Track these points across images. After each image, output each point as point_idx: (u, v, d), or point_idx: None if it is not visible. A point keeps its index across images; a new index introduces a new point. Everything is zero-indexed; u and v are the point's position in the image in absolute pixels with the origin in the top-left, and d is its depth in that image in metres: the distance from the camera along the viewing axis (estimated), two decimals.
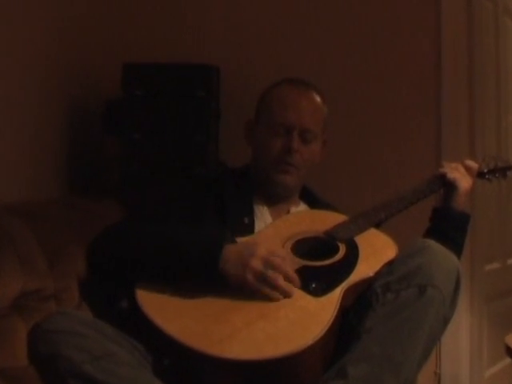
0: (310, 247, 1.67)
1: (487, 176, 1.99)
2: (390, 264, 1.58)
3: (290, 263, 1.58)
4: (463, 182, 1.86)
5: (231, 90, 2.78)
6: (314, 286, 1.55)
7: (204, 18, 2.91)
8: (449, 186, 1.87)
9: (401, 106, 2.78)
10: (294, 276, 1.55)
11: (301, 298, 1.53)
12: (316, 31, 2.83)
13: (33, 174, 2.58)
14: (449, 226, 1.85)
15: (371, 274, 1.59)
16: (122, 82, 2.71)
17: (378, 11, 2.79)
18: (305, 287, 1.55)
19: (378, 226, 1.77)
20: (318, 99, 1.82)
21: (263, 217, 1.80)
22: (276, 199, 1.83)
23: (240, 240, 1.62)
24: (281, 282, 1.52)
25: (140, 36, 2.92)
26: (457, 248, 1.80)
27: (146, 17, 2.96)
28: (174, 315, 1.48)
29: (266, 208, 1.82)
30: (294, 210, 1.86)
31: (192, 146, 2.68)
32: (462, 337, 2.76)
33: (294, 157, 1.77)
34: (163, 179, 2.63)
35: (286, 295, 1.52)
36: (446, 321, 1.56)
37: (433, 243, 1.59)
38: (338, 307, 1.51)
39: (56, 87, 2.72)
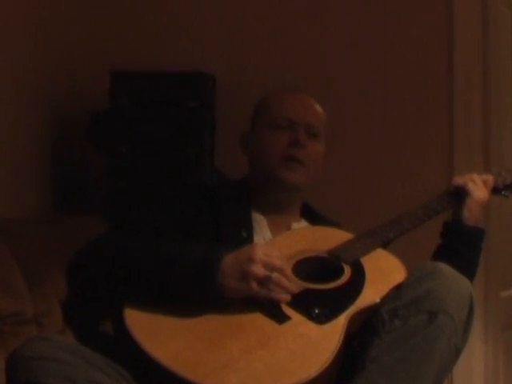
0: (312, 268, 1.67)
1: (503, 192, 1.98)
2: (397, 288, 1.58)
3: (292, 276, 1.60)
4: (478, 191, 1.87)
5: (227, 100, 2.78)
6: (316, 311, 1.55)
7: (198, 22, 2.93)
8: (460, 194, 1.87)
9: (410, 113, 2.79)
10: (292, 276, 1.58)
11: (302, 324, 1.53)
12: (318, 40, 2.84)
13: (12, 190, 2.58)
14: (461, 243, 1.85)
15: (378, 299, 1.59)
16: (109, 91, 2.71)
17: (387, 14, 2.81)
18: (307, 313, 1.55)
19: (385, 245, 1.78)
20: (319, 106, 1.88)
21: (262, 231, 1.80)
22: (276, 212, 1.83)
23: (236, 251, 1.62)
24: (286, 282, 1.56)
25: (129, 42, 2.93)
26: (470, 267, 1.80)
27: (136, 21, 2.96)
28: (166, 339, 1.48)
29: (265, 222, 1.82)
30: (295, 225, 1.86)
31: (184, 161, 2.68)
32: (475, 368, 2.76)
33: (301, 151, 1.78)
34: (153, 196, 2.63)
35: (291, 292, 1.55)
36: (458, 351, 1.56)
37: (444, 266, 1.59)
38: (342, 336, 1.51)
39: (37, 96, 2.73)
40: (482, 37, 2.77)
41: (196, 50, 2.89)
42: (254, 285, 1.52)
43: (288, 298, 1.55)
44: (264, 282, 1.53)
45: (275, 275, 1.54)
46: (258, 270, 1.53)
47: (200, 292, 1.53)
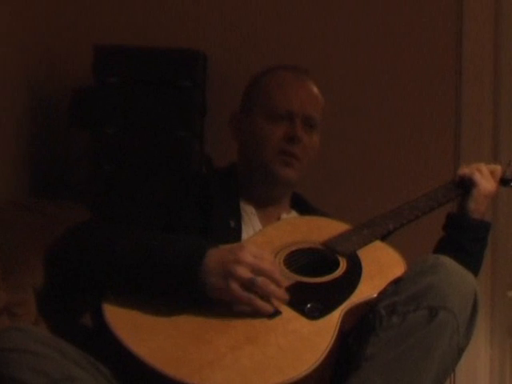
0: (305, 261, 1.67)
1: None
2: (396, 282, 1.59)
3: (281, 277, 1.58)
4: (485, 182, 1.88)
5: (220, 79, 2.78)
6: (309, 306, 1.56)
7: None
8: (467, 185, 1.88)
9: (416, 101, 2.79)
10: (282, 280, 1.55)
11: (294, 320, 1.54)
12: (321, 21, 2.84)
13: None
14: (466, 236, 1.87)
15: (375, 294, 1.59)
16: (93, 67, 2.70)
17: (395, 10, 2.81)
18: (299, 307, 1.55)
19: (384, 238, 1.78)
20: (316, 88, 1.89)
21: (251, 221, 1.82)
22: (266, 203, 1.84)
23: (223, 247, 1.63)
24: (272, 288, 1.53)
25: (115, 13, 2.91)
26: (474, 262, 1.82)
27: None
28: (148, 335, 1.48)
29: (254, 212, 1.83)
30: (284, 216, 1.87)
31: (173, 144, 2.68)
32: (480, 373, 2.77)
33: (298, 146, 1.79)
34: (139, 181, 2.63)
35: (281, 300, 1.53)
36: (460, 350, 1.57)
37: (447, 260, 1.59)
38: (336, 333, 1.52)
39: (15, 72, 2.72)
40: (493, 26, 2.78)
41: (187, 25, 2.88)
42: (236, 287, 1.51)
43: (271, 309, 1.53)
44: (248, 285, 1.52)
45: (261, 279, 1.52)
46: (243, 271, 1.51)
47: (181, 287, 1.53)
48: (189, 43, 2.75)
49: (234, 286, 1.51)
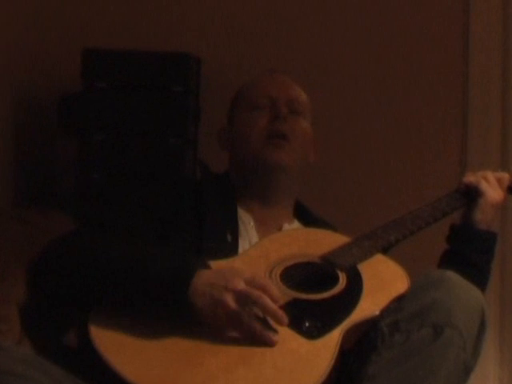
0: (303, 275, 1.67)
1: None
2: (399, 299, 1.59)
3: (278, 295, 1.57)
4: (491, 191, 1.88)
5: (214, 84, 2.78)
6: (307, 325, 1.55)
7: None
8: (472, 194, 1.88)
9: (421, 112, 2.79)
10: (281, 313, 1.53)
11: (291, 339, 1.53)
12: (319, 21, 2.84)
13: None
14: (472, 248, 1.86)
15: (377, 312, 1.59)
16: (82, 71, 2.71)
17: (400, 13, 2.81)
18: (296, 326, 1.54)
19: (385, 250, 1.78)
20: (298, 86, 1.92)
21: (248, 234, 1.82)
22: (263, 206, 1.85)
23: (217, 264, 1.62)
24: (258, 326, 1.50)
25: (105, 15, 2.92)
26: (482, 276, 1.82)
27: None
28: (136, 355, 1.47)
29: (252, 223, 1.83)
30: (286, 227, 1.87)
31: (166, 151, 2.68)
32: None
33: (284, 125, 1.80)
34: (129, 190, 2.63)
35: (268, 343, 1.50)
36: (467, 370, 1.56)
37: (452, 274, 1.59)
38: (336, 352, 1.51)
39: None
40: (501, 27, 2.78)
41: (179, 27, 2.88)
42: (223, 318, 1.50)
43: (257, 344, 1.50)
44: (234, 316, 1.50)
45: (248, 312, 1.50)
46: (230, 300, 1.50)
47: (169, 306, 1.52)
48: (182, 46, 2.75)
49: (221, 315, 1.50)
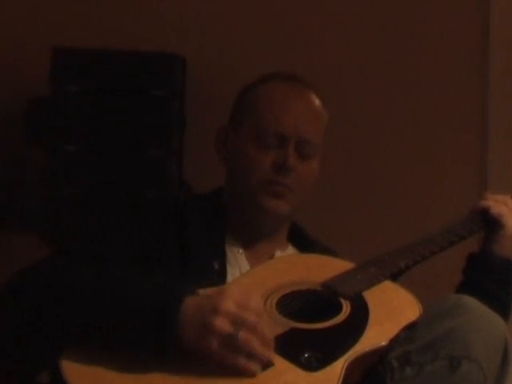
0: (302, 304, 1.67)
1: None
2: (410, 328, 1.58)
3: (273, 324, 1.56)
4: (511, 219, 1.89)
5: (201, 87, 2.80)
6: (306, 356, 1.54)
7: None
8: (492, 225, 1.90)
9: (437, 123, 2.81)
10: (270, 341, 1.52)
11: (288, 371, 1.52)
12: (317, 18, 2.87)
13: None
14: (489, 278, 1.88)
15: (384, 342, 1.58)
16: (51, 73, 2.71)
17: (416, 13, 2.84)
18: (294, 358, 1.53)
19: (394, 277, 1.78)
20: (318, 102, 1.87)
21: (238, 262, 1.82)
22: (256, 238, 1.85)
23: (205, 293, 1.61)
24: (257, 346, 1.50)
25: (76, 11, 2.93)
26: (502, 308, 1.81)
27: None
28: None
29: (241, 251, 1.84)
30: (279, 254, 1.87)
31: (146, 164, 2.69)
32: None
33: (290, 176, 1.80)
34: (105, 208, 2.63)
35: (265, 365, 1.51)
36: None
37: (470, 300, 1.59)
38: None
39: None
40: None
41: (162, 25, 2.90)
42: (215, 343, 1.48)
43: (257, 370, 1.50)
44: (228, 341, 1.50)
45: (243, 335, 1.49)
46: (221, 324, 1.49)
47: (152, 342, 1.51)
48: (164, 45, 2.76)
49: (212, 343, 1.49)
